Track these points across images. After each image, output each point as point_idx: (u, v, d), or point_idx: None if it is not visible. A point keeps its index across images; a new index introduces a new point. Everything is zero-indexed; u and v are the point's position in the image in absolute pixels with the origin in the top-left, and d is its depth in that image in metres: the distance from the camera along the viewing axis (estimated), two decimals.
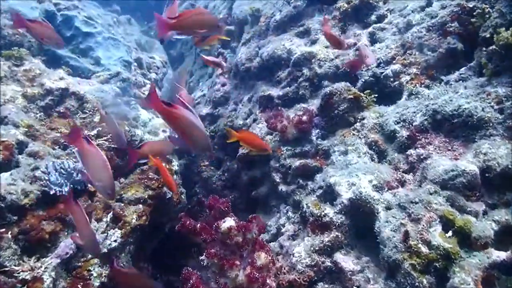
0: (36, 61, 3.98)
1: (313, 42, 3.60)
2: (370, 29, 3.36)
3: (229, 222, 2.33)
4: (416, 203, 2.06)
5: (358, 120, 2.87)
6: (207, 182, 4.33)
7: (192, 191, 4.50)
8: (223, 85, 4.67)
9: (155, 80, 5.40)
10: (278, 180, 3.13)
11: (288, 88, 3.48)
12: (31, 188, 2.61)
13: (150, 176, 3.28)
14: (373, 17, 3.44)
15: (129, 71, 4.46)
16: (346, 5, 3.59)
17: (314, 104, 3.30)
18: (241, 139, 2.79)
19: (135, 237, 2.94)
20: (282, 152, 3.13)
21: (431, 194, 2.07)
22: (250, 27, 4.45)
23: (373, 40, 3.32)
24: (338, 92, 2.91)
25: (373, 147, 2.66)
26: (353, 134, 2.77)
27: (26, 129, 3.17)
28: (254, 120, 3.67)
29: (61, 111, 3.62)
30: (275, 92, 3.57)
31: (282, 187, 3.08)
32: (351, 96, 2.89)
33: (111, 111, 3.61)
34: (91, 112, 3.67)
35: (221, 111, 4.51)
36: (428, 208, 2.00)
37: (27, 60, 3.87)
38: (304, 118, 3.07)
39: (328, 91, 2.93)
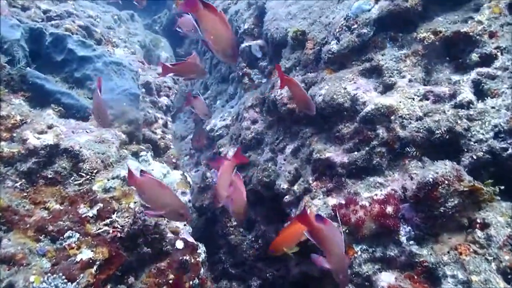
0: (16, 101, 3.12)
1: (388, 87, 2.71)
2: (473, 75, 2.46)
3: None
4: None
5: (477, 225, 2.00)
6: (235, 249, 3.49)
7: (215, 257, 3.67)
8: (254, 122, 3.78)
9: (166, 106, 4.49)
10: None
11: (356, 153, 2.60)
12: None
13: (169, 279, 2.43)
14: (474, 57, 2.53)
15: (136, 107, 3.56)
16: (432, 37, 2.68)
17: (396, 180, 2.43)
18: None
19: None
20: (355, 254, 2.27)
21: None
22: (291, 51, 3.53)
23: (480, 92, 2.43)
24: (445, 182, 2.03)
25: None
26: (475, 253, 1.90)
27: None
28: (306, 191, 2.80)
29: (49, 176, 2.75)
30: (336, 155, 2.69)
31: None
32: (466, 189, 2.01)
33: None
34: (89, 176, 2.79)
35: (253, 157, 3.64)
36: None
37: (4, 102, 2.99)
38: (389, 209, 2.21)
39: (431, 180, 2.06)
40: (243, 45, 4.56)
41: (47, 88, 3.25)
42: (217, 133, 4.50)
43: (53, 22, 4.55)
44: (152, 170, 3.17)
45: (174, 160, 3.64)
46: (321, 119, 3.00)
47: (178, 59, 7.88)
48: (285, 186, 3.04)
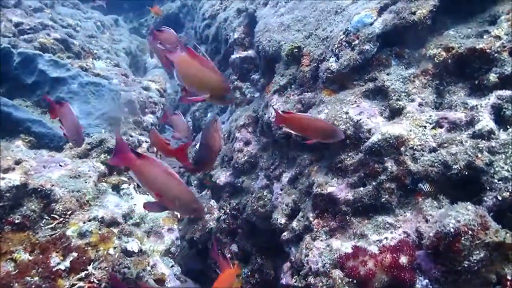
0: None
1: (396, 112, 2.43)
2: (493, 99, 2.19)
3: None
4: None
5: (508, 282, 1.73)
6: None
7: None
8: (247, 143, 3.50)
9: (152, 124, 4.19)
10: None
11: (361, 189, 2.32)
12: None
13: None
14: (492, 77, 2.25)
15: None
16: (444, 54, 2.40)
17: (408, 221, 2.17)
18: None
19: None
20: None
21: None
22: (285, 66, 3.25)
23: (501, 119, 2.14)
24: (469, 233, 1.76)
25: None
26: None
27: None
28: (306, 229, 2.52)
29: (17, 221, 2.46)
30: (339, 190, 2.41)
31: None
32: (493, 241, 1.73)
33: None
34: (62, 219, 2.50)
35: (247, 182, 3.37)
36: None
37: None
38: (403, 260, 1.95)
39: (452, 231, 1.79)
40: (233, 56, 4.27)
41: (16, 116, 2.95)
42: None
43: (25, 36, 4.24)
44: (135, 205, 2.87)
45: None
46: (321, 145, 2.72)
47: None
48: (282, 220, 2.76)
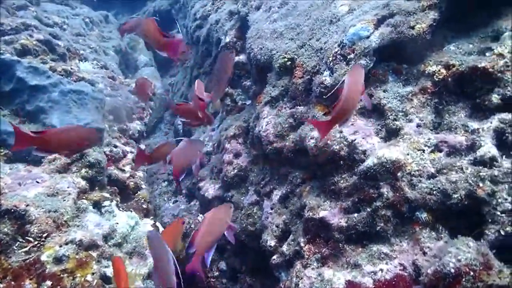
0: None
1: (392, 133, 2.30)
2: (495, 122, 2.07)
3: None
4: None
5: None
6: None
7: None
8: (237, 155, 3.36)
9: (139, 132, 4.03)
10: None
11: (355, 215, 2.20)
12: None
13: None
14: (494, 98, 2.13)
15: (99, 144, 3.09)
16: (444, 72, 2.27)
17: (404, 251, 2.05)
18: None
19: None
20: None
21: None
22: (277, 77, 3.09)
23: (503, 144, 2.02)
24: (470, 273, 1.64)
25: None
26: None
27: None
28: (297, 254, 2.40)
29: None
30: (332, 215, 2.28)
31: None
32: (497, 284, 1.61)
33: None
34: (37, 242, 2.34)
35: (236, 197, 3.23)
36: None
37: None
38: None
39: (452, 271, 1.66)
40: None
41: None
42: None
43: (6, 37, 4.03)
44: (117, 224, 2.72)
45: (144, 205, 3.20)
46: (313, 163, 2.58)
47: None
48: (272, 243, 2.63)
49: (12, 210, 2.37)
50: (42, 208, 2.46)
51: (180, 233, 2.66)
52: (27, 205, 2.42)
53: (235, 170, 3.29)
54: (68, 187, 2.69)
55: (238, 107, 3.99)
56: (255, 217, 2.98)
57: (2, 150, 2.80)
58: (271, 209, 2.80)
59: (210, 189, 3.46)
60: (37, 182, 2.65)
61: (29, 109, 3.09)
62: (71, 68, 4.08)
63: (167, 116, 6.59)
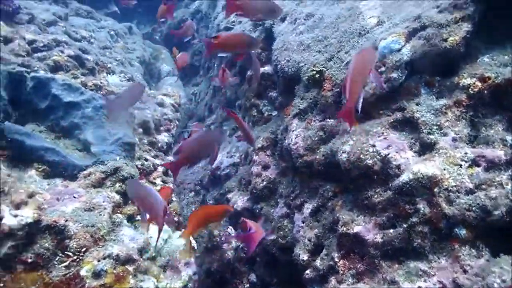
0: None
1: (427, 147, 2.28)
2: None
3: None
4: None
5: None
6: None
7: None
8: (265, 167, 3.38)
9: (167, 144, 4.09)
10: None
11: (391, 231, 2.18)
12: None
13: None
14: None
15: (131, 157, 3.16)
16: (479, 84, 2.24)
17: (443, 269, 2.02)
18: None
19: None
20: None
21: None
22: (305, 89, 3.10)
23: None
24: None
25: None
26: None
27: None
28: (331, 269, 2.39)
29: (30, 260, 2.38)
30: (366, 231, 2.27)
31: None
32: None
33: None
34: (76, 257, 2.41)
35: (265, 209, 3.25)
36: None
37: None
38: None
39: None
40: (250, 73, 4.14)
41: (29, 144, 2.88)
42: (224, 172, 4.09)
43: (39, 54, 4.17)
44: (151, 237, 2.77)
45: (176, 218, 3.25)
46: (345, 176, 2.58)
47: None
48: (305, 257, 2.63)
49: (52, 226, 2.45)
50: (80, 223, 2.53)
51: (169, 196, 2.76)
52: (66, 220, 2.50)
53: (264, 182, 3.31)
54: (103, 202, 2.76)
55: (264, 118, 4.01)
56: (286, 230, 2.98)
57: (40, 166, 2.89)
58: (303, 222, 2.81)
59: (239, 201, 3.49)
60: (74, 197, 2.73)
61: (63, 125, 3.18)
62: (101, 82, 4.18)
63: (190, 125, 6.67)
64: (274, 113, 3.98)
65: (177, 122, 4.53)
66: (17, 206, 2.47)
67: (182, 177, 5.24)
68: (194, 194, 4.67)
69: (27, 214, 2.41)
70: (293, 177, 3.15)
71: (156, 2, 6.76)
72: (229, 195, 3.67)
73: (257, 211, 3.34)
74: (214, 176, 4.30)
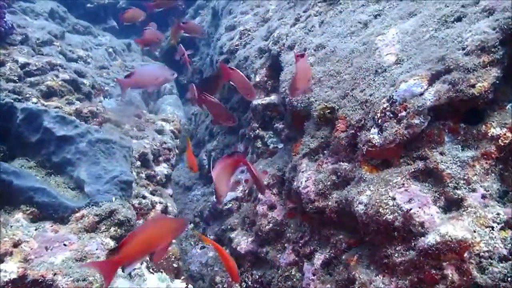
0: None
1: (453, 203, 2.10)
2: None
3: None
4: None
5: None
6: None
7: None
8: (271, 207, 3.20)
9: (166, 176, 3.90)
10: None
11: None
12: None
13: None
14: None
15: (128, 196, 2.97)
16: (510, 136, 2.07)
17: None
18: None
19: None
20: None
21: None
22: (316, 127, 2.95)
23: None
24: None
25: None
26: None
27: None
28: None
29: None
30: None
31: None
32: None
33: None
34: None
35: (271, 254, 3.07)
36: None
37: None
38: None
39: None
40: (255, 103, 3.97)
41: (16, 184, 2.68)
42: (226, 207, 3.90)
43: (32, 79, 4.00)
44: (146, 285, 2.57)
45: (175, 264, 3.04)
46: (361, 227, 2.40)
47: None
48: None
49: (40, 281, 2.25)
50: (70, 277, 2.33)
51: None
52: (55, 274, 2.30)
53: (271, 225, 3.13)
54: (96, 249, 2.56)
55: (269, 151, 3.84)
56: (294, 280, 2.79)
57: (28, 208, 2.69)
58: (313, 275, 2.61)
59: (242, 242, 3.29)
60: (65, 244, 2.52)
61: (55, 161, 2.99)
62: (97, 109, 4.00)
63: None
64: (280, 145, 3.81)
65: (176, 151, 4.34)
66: (0, 258, 2.27)
67: (181, 205, 5.05)
68: (193, 227, 4.47)
69: (11, 269, 2.21)
70: (301, 221, 2.97)
71: (156, 16, 6.64)
72: (232, 234, 3.48)
73: (262, 255, 3.14)
74: (215, 209, 4.11)
